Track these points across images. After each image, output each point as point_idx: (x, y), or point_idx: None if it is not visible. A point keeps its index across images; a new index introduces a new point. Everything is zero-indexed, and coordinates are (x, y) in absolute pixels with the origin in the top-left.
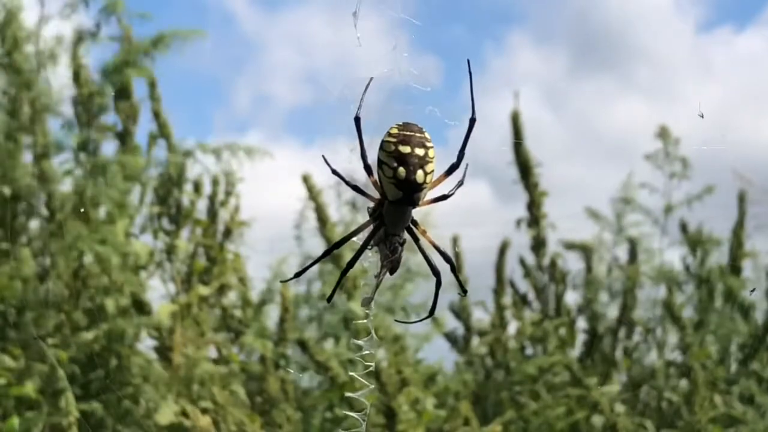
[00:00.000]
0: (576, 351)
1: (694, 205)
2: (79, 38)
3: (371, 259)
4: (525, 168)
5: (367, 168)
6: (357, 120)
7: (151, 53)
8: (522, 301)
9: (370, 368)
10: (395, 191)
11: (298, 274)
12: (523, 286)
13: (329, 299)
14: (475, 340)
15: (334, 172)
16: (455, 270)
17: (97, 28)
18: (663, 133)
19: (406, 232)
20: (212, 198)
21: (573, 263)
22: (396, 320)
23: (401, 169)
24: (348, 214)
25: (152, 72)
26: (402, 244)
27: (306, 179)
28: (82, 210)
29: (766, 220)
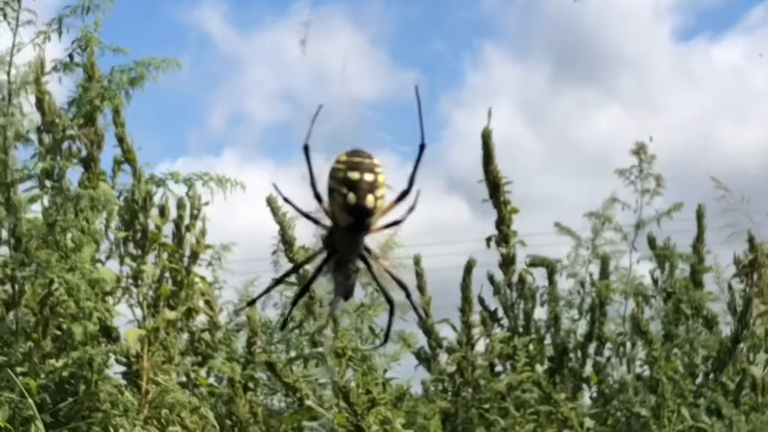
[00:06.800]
0: (545, 367)
1: (667, 218)
2: (41, 66)
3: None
4: (494, 185)
5: (317, 196)
6: (306, 148)
7: (126, 89)
8: (491, 318)
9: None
10: (346, 217)
11: (250, 303)
12: (493, 303)
13: (282, 326)
14: (444, 358)
15: (285, 199)
16: (409, 296)
17: (71, 58)
18: (639, 149)
19: (359, 258)
20: (178, 222)
21: (543, 280)
22: (356, 348)
23: (351, 195)
24: None
25: (122, 102)
26: (355, 272)
27: (270, 201)
28: (51, 238)
29: (744, 227)
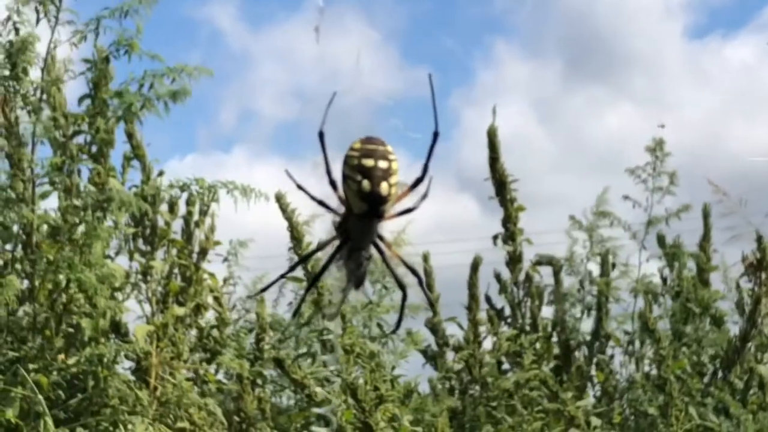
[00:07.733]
0: (551, 365)
1: (674, 217)
2: (53, 63)
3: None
4: (500, 183)
5: (332, 183)
6: (321, 135)
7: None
8: (498, 316)
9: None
10: (360, 204)
11: (262, 290)
12: (500, 301)
13: (294, 314)
14: (450, 356)
15: (299, 186)
16: (422, 284)
17: (106, 60)
18: (656, 146)
19: (372, 246)
20: (187, 218)
21: (550, 278)
22: (364, 336)
23: (365, 182)
24: None
25: (161, 113)
26: (368, 259)
27: (279, 198)
28: (65, 236)
29: (742, 230)
